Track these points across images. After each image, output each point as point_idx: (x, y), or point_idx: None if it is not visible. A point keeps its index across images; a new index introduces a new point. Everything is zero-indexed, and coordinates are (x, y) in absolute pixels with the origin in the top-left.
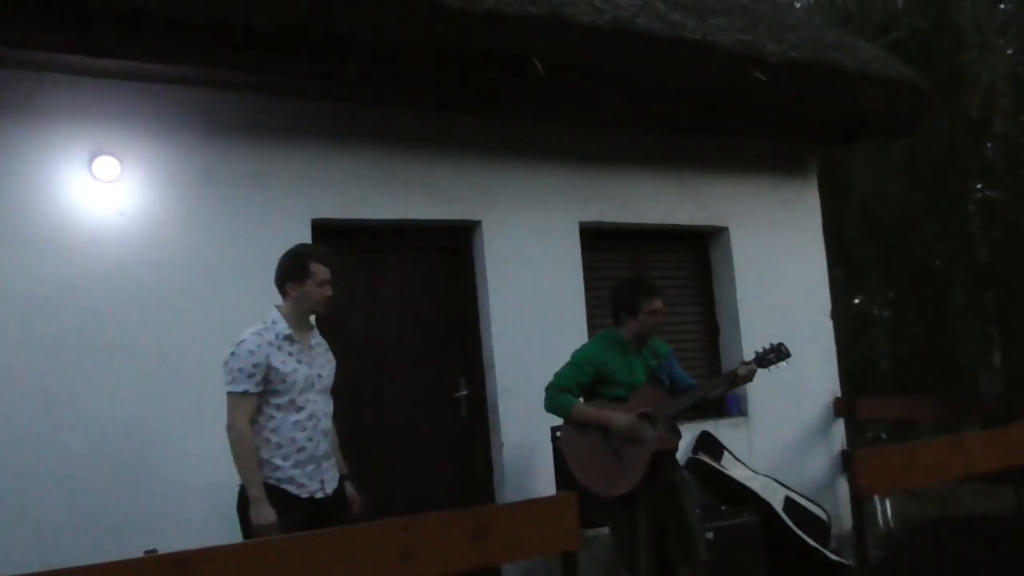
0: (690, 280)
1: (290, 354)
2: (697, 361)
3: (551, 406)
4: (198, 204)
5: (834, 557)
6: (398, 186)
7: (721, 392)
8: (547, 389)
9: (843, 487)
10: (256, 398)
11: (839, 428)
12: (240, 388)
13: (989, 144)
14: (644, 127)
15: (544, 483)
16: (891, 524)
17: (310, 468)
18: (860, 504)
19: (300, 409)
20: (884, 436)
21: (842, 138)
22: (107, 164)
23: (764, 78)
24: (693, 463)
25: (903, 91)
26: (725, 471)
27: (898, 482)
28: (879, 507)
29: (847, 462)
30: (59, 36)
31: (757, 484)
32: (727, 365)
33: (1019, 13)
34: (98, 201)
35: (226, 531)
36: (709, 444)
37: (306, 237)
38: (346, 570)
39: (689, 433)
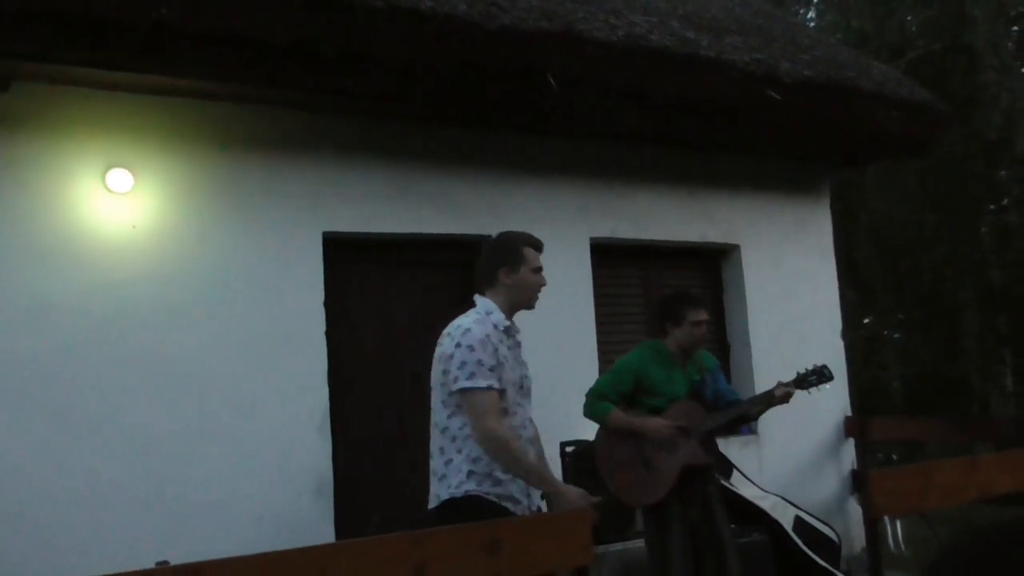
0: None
1: (509, 348)
2: None
3: (589, 412)
4: (211, 217)
5: None
6: (410, 201)
7: (758, 412)
8: (587, 395)
9: (853, 507)
10: (499, 396)
11: (849, 448)
12: (483, 383)
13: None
14: (657, 144)
15: None
16: (902, 546)
17: (521, 481)
18: (874, 524)
19: (515, 413)
20: (895, 457)
21: (855, 158)
22: (121, 177)
23: (778, 97)
24: (717, 479)
25: (918, 112)
26: (735, 489)
27: (914, 503)
28: (889, 529)
29: (858, 482)
30: (77, 50)
31: (767, 503)
32: (737, 383)
33: None
34: (112, 213)
35: (236, 545)
36: (719, 462)
37: (318, 251)
38: None
39: None
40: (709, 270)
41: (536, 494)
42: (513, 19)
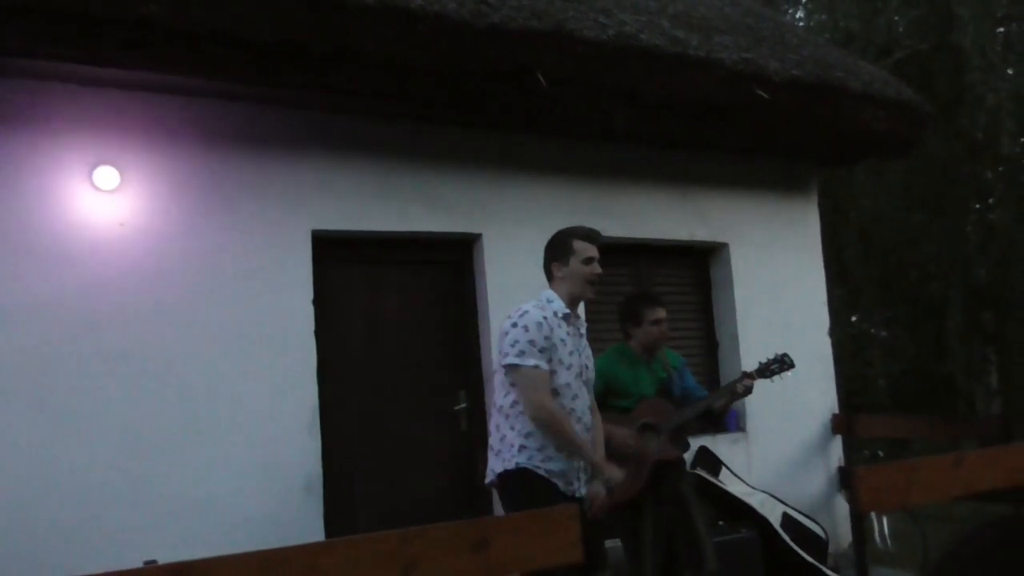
0: (690, 295)
1: (568, 334)
2: (696, 376)
3: None
4: (199, 215)
5: (831, 574)
6: (399, 198)
7: (724, 403)
8: None
9: (840, 504)
10: (549, 374)
11: (836, 445)
12: (531, 362)
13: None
14: (646, 143)
15: None
16: (888, 542)
17: (578, 464)
18: (860, 520)
19: (575, 397)
20: (881, 454)
21: (843, 157)
22: (108, 174)
23: (767, 96)
24: (691, 478)
25: (904, 112)
26: (723, 486)
27: (899, 499)
28: (876, 524)
29: (845, 479)
30: (64, 46)
31: (755, 500)
32: (725, 380)
33: (1022, 34)
34: (98, 211)
35: (224, 543)
36: (707, 459)
37: (306, 248)
38: None
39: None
40: (698, 268)
41: (586, 482)
42: (503, 17)
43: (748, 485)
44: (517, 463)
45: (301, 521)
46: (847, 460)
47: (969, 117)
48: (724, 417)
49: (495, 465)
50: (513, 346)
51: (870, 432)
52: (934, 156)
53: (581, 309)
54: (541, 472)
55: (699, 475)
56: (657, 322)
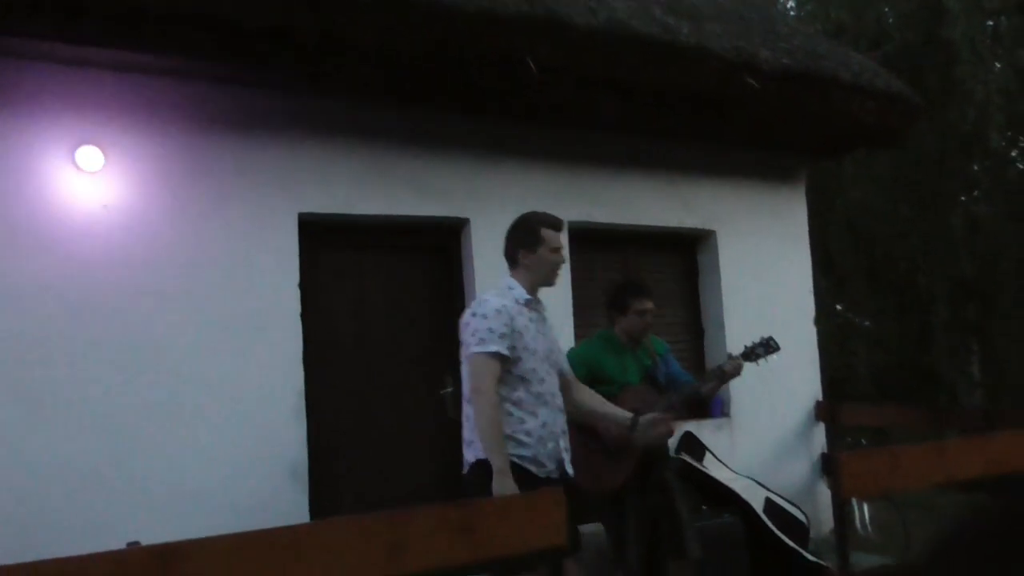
0: (677, 283)
1: (531, 320)
2: (682, 363)
3: None
4: (184, 197)
5: (812, 559)
6: (387, 183)
7: (711, 388)
8: None
9: (822, 490)
10: (502, 363)
11: (820, 433)
12: (491, 348)
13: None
14: (635, 131)
15: None
16: (869, 528)
17: (551, 446)
18: (842, 506)
19: (542, 381)
20: (864, 442)
21: (831, 148)
22: (91, 155)
23: (757, 85)
24: (675, 463)
25: (894, 103)
26: (707, 472)
27: (881, 485)
28: (857, 511)
29: (827, 465)
30: (48, 25)
31: (739, 485)
32: (711, 367)
33: (1011, 28)
34: (81, 192)
35: (209, 528)
36: (692, 445)
37: (293, 232)
38: (333, 563)
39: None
40: (685, 256)
41: (566, 463)
42: (493, 2)
43: (732, 471)
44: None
45: (286, 506)
46: (830, 447)
47: (958, 110)
48: (711, 402)
49: (468, 455)
50: (474, 335)
51: (853, 420)
52: (922, 149)
53: (563, 299)
54: (514, 459)
55: (683, 460)
56: (643, 312)
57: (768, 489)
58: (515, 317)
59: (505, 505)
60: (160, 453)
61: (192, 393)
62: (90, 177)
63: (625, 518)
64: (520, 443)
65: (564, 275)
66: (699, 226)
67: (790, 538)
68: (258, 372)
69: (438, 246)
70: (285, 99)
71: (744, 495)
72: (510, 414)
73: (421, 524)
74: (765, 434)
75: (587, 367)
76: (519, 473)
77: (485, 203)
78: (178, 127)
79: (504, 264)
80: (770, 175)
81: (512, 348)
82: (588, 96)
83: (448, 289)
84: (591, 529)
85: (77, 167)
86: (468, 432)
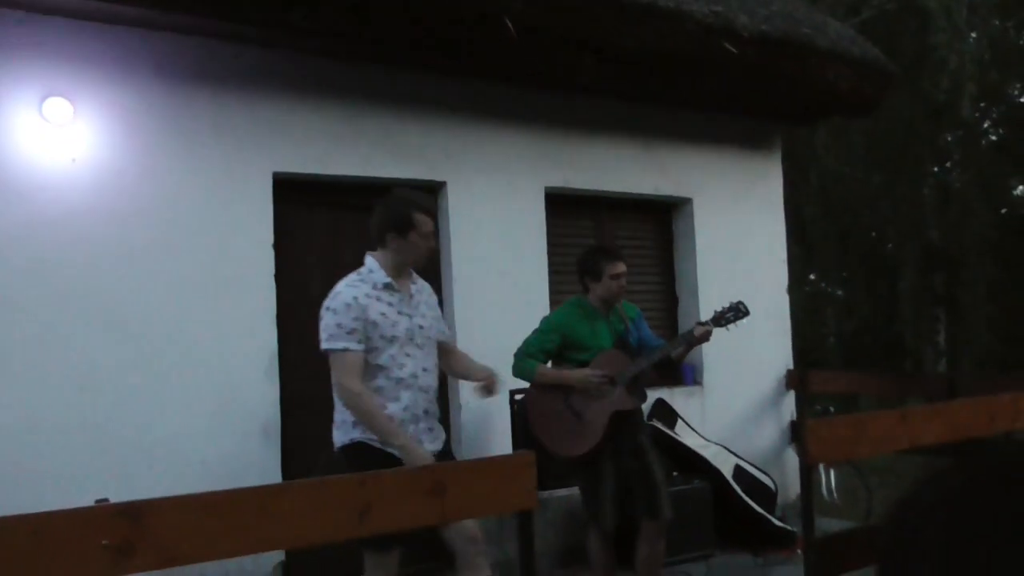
0: (652, 250)
1: (390, 304)
2: (656, 330)
3: (517, 371)
4: (155, 152)
5: (779, 524)
6: (363, 143)
7: (680, 352)
8: (515, 355)
9: (791, 457)
10: (362, 354)
11: (790, 400)
12: (339, 345)
13: (948, 129)
14: (613, 95)
15: (501, 445)
16: (835, 495)
17: (413, 429)
18: (809, 472)
19: (402, 366)
20: (832, 409)
21: (806, 115)
22: (59, 106)
23: (734, 50)
24: (649, 428)
25: (869, 71)
26: (678, 438)
27: (846, 452)
28: (823, 478)
29: (795, 433)
30: None
31: (709, 452)
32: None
33: None
34: (49, 145)
35: (179, 487)
36: (664, 412)
37: (267, 191)
38: (304, 524)
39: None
40: (661, 222)
41: (433, 441)
42: None
43: (702, 437)
44: (352, 438)
45: (258, 466)
46: (799, 415)
47: (931, 79)
48: (680, 365)
49: (336, 438)
50: (324, 330)
51: (822, 388)
52: (896, 117)
53: (539, 264)
54: (376, 445)
55: (655, 427)
56: (617, 276)
57: (738, 456)
58: (368, 308)
59: (475, 468)
60: (130, 410)
61: (164, 351)
62: (58, 129)
63: (601, 480)
64: None
65: (539, 240)
66: (675, 193)
67: (758, 504)
68: (231, 331)
69: None
70: (260, 54)
71: (714, 461)
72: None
73: (391, 485)
74: (736, 402)
75: (560, 334)
76: (381, 457)
77: (462, 166)
78: (150, 80)
79: (479, 229)
80: (746, 142)
81: (368, 339)
82: (565, 57)
83: None
84: (562, 493)
85: (44, 119)
86: (337, 415)
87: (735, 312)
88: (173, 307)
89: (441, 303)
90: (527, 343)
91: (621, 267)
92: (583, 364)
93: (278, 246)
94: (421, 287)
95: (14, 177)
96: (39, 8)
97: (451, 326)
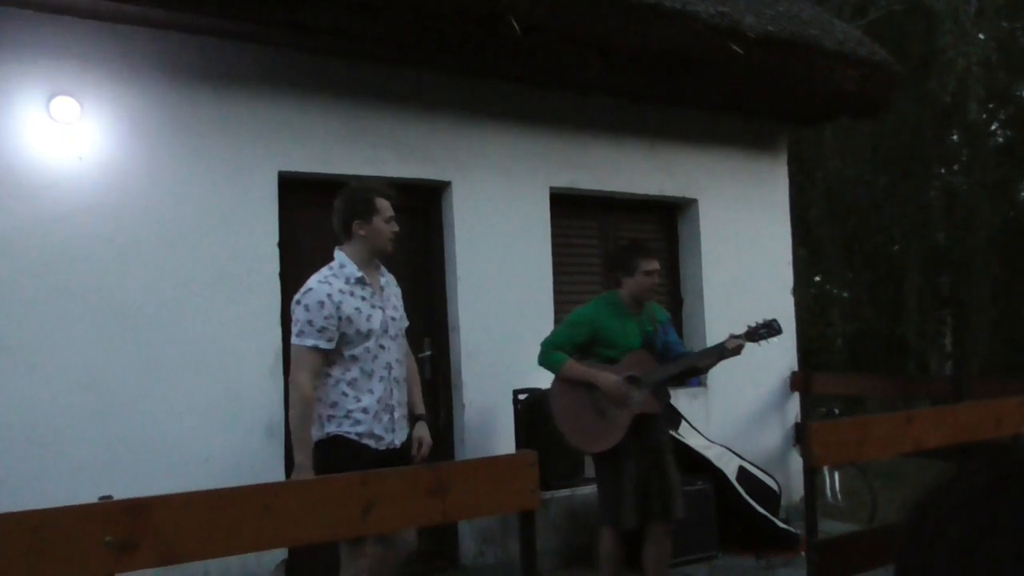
0: (657, 251)
1: (363, 299)
2: None
3: (543, 361)
4: (161, 151)
5: (782, 526)
6: (368, 142)
7: (710, 363)
8: (542, 345)
9: (795, 459)
10: (326, 354)
11: (794, 402)
12: (308, 343)
13: (955, 131)
14: (619, 95)
15: (505, 445)
16: (839, 497)
17: (386, 419)
18: (812, 474)
19: (376, 358)
20: (837, 411)
21: (813, 117)
22: (66, 105)
23: (741, 51)
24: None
25: (876, 72)
26: (682, 439)
27: (851, 454)
28: (828, 481)
29: (800, 434)
30: None
31: (712, 453)
32: (689, 335)
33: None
34: (56, 143)
35: (183, 484)
36: (668, 413)
37: (273, 189)
38: (307, 521)
39: None
40: (666, 223)
41: (402, 432)
42: None
43: (706, 439)
44: (327, 432)
45: (262, 463)
46: (803, 417)
47: (938, 81)
48: (705, 376)
49: (312, 433)
50: (295, 324)
51: (826, 390)
52: (902, 119)
53: (543, 263)
54: (351, 437)
55: None
56: (650, 273)
57: (742, 457)
58: (341, 304)
59: (477, 468)
60: (135, 407)
61: (168, 348)
62: (65, 128)
63: (622, 480)
64: (357, 421)
65: (544, 240)
66: (680, 194)
67: (762, 505)
68: (236, 329)
69: (419, 208)
70: (266, 53)
71: (717, 463)
72: (345, 394)
73: (394, 485)
74: (740, 403)
75: (591, 328)
76: (356, 449)
77: (467, 166)
78: (157, 79)
79: (483, 229)
80: (752, 143)
81: (340, 335)
82: (571, 57)
83: (428, 251)
84: (564, 493)
85: (51, 117)
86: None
87: (768, 329)
88: (178, 305)
89: (445, 302)
90: (556, 334)
91: (655, 264)
92: (610, 361)
93: (283, 244)
94: (389, 280)
95: (21, 175)
96: (46, 8)
97: (455, 325)
